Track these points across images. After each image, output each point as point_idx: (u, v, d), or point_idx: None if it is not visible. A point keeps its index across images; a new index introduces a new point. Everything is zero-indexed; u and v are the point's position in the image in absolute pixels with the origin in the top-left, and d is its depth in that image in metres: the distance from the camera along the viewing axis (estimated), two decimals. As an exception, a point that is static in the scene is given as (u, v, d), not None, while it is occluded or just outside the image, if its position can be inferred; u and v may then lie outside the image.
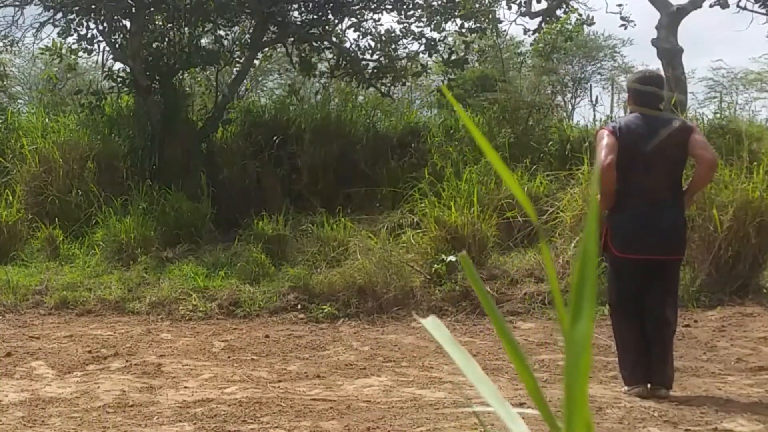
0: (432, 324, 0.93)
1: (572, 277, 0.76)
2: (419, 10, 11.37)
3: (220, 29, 11.43)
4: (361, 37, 11.64)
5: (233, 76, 11.94)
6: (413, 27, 11.47)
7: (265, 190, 10.41)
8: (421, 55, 11.57)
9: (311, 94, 12.52)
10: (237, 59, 11.65)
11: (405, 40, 11.61)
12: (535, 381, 0.80)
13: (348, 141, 10.78)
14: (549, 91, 11.73)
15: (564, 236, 7.80)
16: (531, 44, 13.05)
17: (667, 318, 4.73)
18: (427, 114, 13.45)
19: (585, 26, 12.90)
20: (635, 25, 15.37)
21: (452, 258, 7.40)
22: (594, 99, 31.17)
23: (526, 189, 8.87)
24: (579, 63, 18.92)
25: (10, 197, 9.75)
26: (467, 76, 12.70)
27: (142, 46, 10.62)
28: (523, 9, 13.89)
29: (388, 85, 11.76)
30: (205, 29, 11.09)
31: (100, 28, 10.80)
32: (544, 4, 14.24)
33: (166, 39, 10.96)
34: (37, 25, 11.22)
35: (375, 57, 11.57)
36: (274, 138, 10.65)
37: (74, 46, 11.16)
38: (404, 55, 11.68)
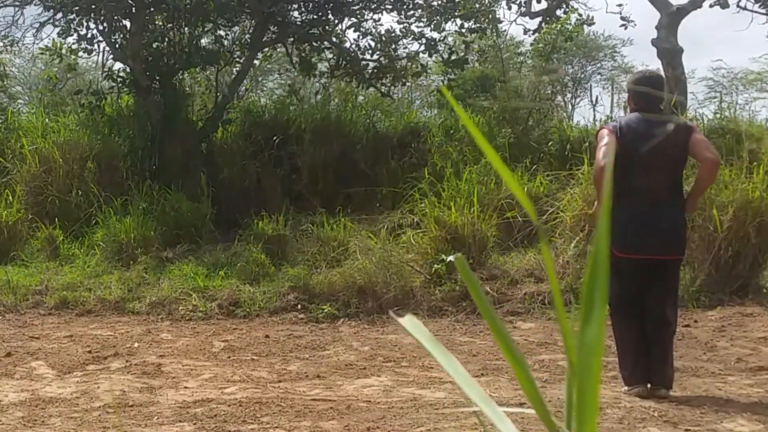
0: (410, 324, 0.92)
1: (583, 280, 0.76)
2: (419, 10, 11.37)
3: (220, 29, 11.43)
4: (361, 37, 11.65)
5: (233, 76, 11.95)
6: (413, 27, 11.48)
7: (265, 190, 10.41)
8: (421, 55, 11.57)
9: (311, 94, 12.52)
10: (237, 59, 11.65)
11: (405, 40, 11.63)
12: (533, 382, 0.80)
13: (348, 141, 10.78)
14: (549, 91, 11.73)
15: (564, 236, 7.80)
16: (531, 44, 13.06)
17: (667, 318, 4.73)
18: (427, 114, 13.45)
19: (585, 26, 12.91)
20: (635, 25, 15.39)
21: (452, 258, 7.40)
22: (594, 99, 31.23)
23: (526, 189, 8.87)
24: (579, 63, 18.94)
25: (10, 197, 9.75)
26: (467, 76, 12.69)
27: (142, 46, 10.62)
28: (523, 9, 13.90)
29: (388, 85, 11.76)
30: (205, 29, 11.09)
31: (100, 28, 10.80)
32: (544, 4, 14.26)
33: (166, 39, 10.96)
34: (37, 25, 11.24)
35: (375, 57, 11.57)
36: (274, 138, 10.65)
37: (74, 46, 11.16)
38: (404, 55, 11.68)
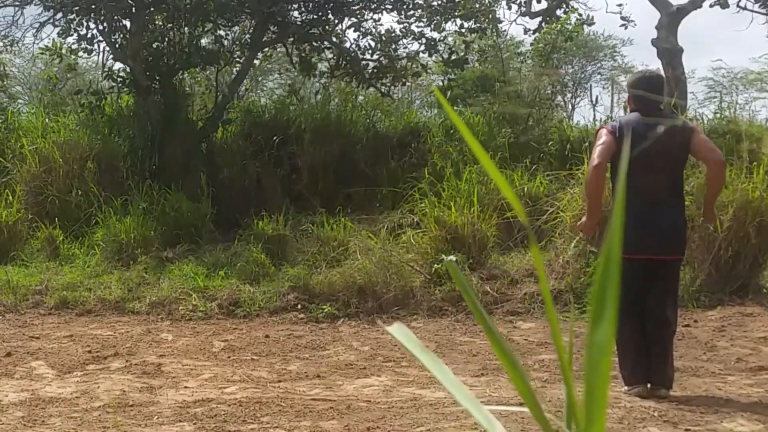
0: (398, 331, 0.92)
1: (595, 280, 0.76)
2: (419, 10, 11.37)
3: (220, 29, 11.43)
4: (361, 37, 11.65)
5: (233, 76, 11.95)
6: (413, 27, 11.48)
7: (265, 190, 10.41)
8: (421, 55, 11.57)
9: (311, 94, 12.52)
10: (237, 59, 11.65)
11: (405, 40, 11.63)
12: (528, 383, 0.80)
13: (348, 141, 10.77)
14: (549, 91, 11.73)
15: (564, 236, 7.79)
16: (531, 44, 13.07)
17: (667, 318, 4.73)
18: (427, 114, 13.45)
19: (585, 26, 12.92)
20: (635, 25, 15.41)
21: (451, 258, 7.40)
22: (594, 99, 31.20)
23: (526, 189, 8.87)
24: (579, 63, 18.95)
25: (10, 197, 9.75)
26: (467, 76, 12.69)
27: (142, 46, 10.62)
28: (523, 9, 13.90)
29: (388, 85, 11.76)
30: (205, 29, 11.09)
31: (100, 28, 10.80)
32: (544, 4, 14.26)
33: (166, 39, 10.95)
34: (37, 25, 11.24)
35: (375, 57, 11.57)
36: (274, 138, 10.65)
37: (74, 46, 11.17)
38: (404, 55, 11.68)
